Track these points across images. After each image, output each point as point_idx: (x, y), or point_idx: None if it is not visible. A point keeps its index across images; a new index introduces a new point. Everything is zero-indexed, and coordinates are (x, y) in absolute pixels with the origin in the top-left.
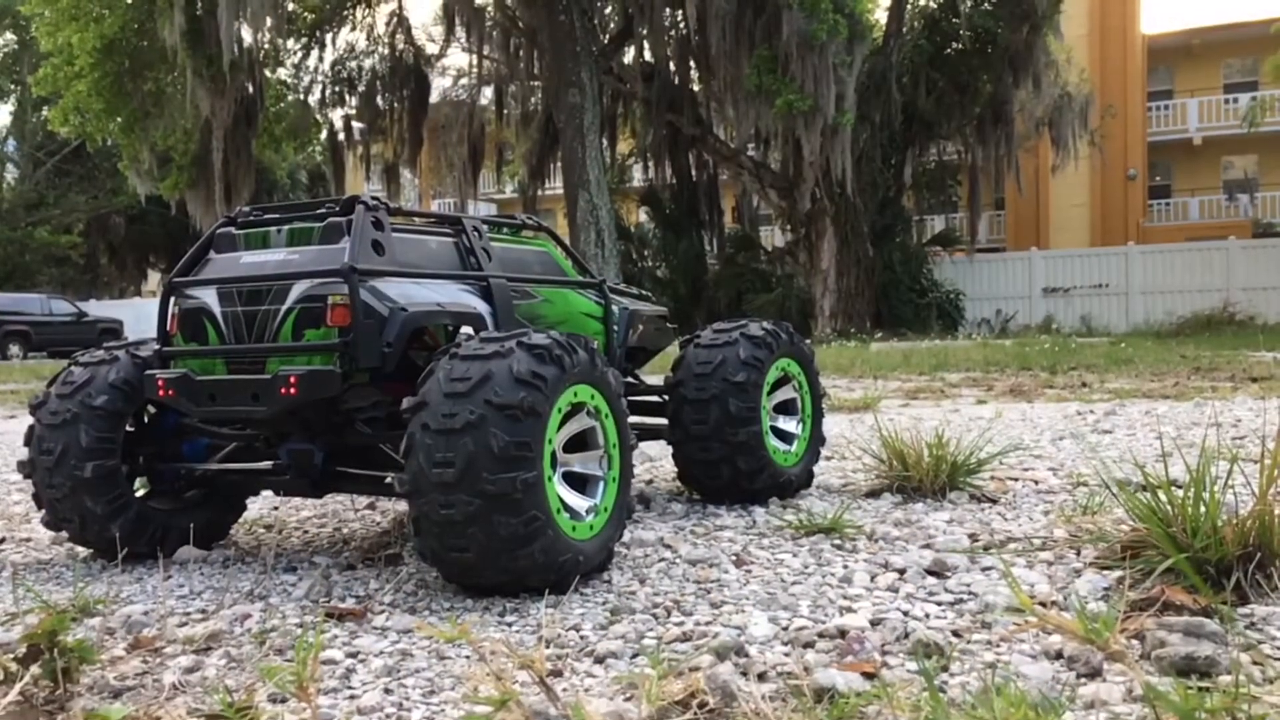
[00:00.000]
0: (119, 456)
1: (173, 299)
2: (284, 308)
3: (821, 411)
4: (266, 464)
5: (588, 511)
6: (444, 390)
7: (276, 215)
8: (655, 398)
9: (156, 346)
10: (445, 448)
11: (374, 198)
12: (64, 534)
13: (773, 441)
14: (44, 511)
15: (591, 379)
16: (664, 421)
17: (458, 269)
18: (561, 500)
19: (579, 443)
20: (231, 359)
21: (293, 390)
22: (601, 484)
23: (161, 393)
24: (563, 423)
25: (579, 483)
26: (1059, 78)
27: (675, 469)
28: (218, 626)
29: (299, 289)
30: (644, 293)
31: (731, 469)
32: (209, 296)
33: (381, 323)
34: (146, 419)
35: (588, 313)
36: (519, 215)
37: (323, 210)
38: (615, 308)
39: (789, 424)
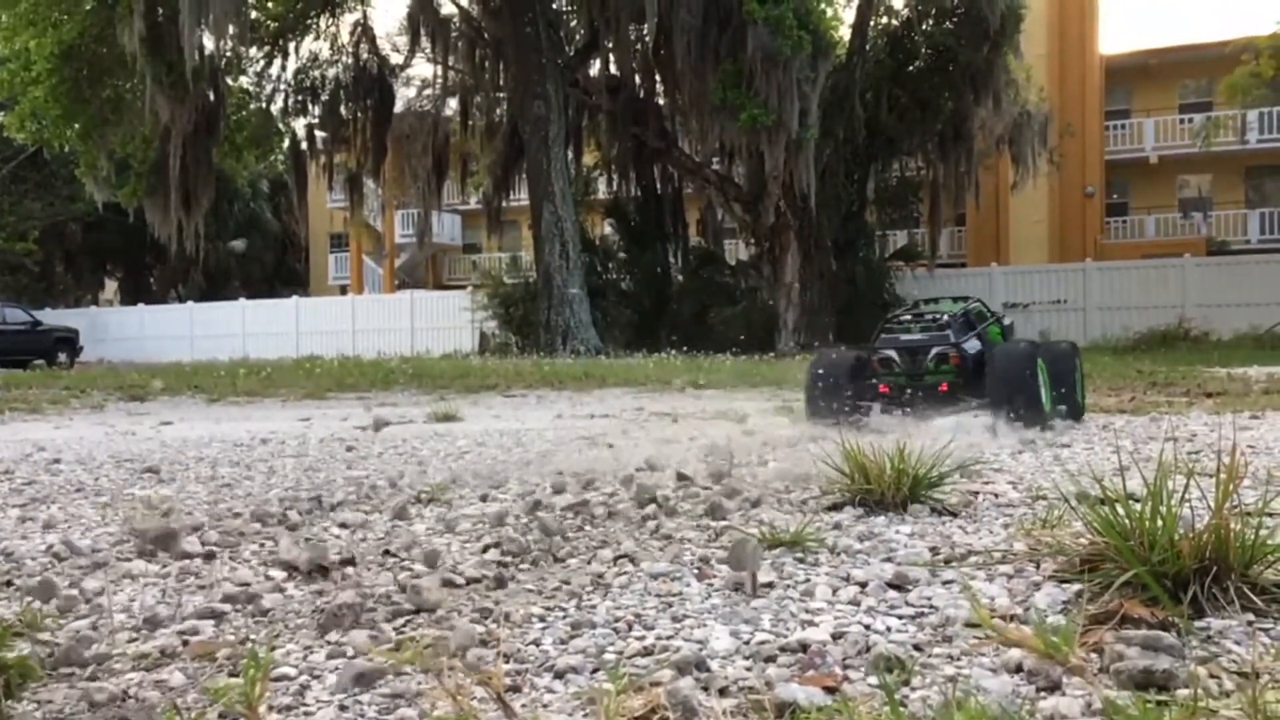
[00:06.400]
0: (856, 393)
1: (872, 353)
2: (929, 357)
3: (1083, 388)
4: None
5: (1051, 400)
6: (1002, 355)
7: (909, 319)
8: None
9: (870, 380)
10: (1006, 377)
11: (961, 311)
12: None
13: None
14: (811, 415)
15: (1041, 355)
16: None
17: (970, 331)
18: (1045, 395)
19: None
20: (906, 379)
21: (945, 388)
22: (1045, 390)
23: (883, 391)
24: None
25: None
26: (1019, 96)
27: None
28: (168, 642)
29: (934, 350)
30: (997, 314)
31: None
32: (891, 352)
33: (967, 360)
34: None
35: (999, 332)
36: (970, 297)
37: (932, 317)
38: (1002, 325)
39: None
